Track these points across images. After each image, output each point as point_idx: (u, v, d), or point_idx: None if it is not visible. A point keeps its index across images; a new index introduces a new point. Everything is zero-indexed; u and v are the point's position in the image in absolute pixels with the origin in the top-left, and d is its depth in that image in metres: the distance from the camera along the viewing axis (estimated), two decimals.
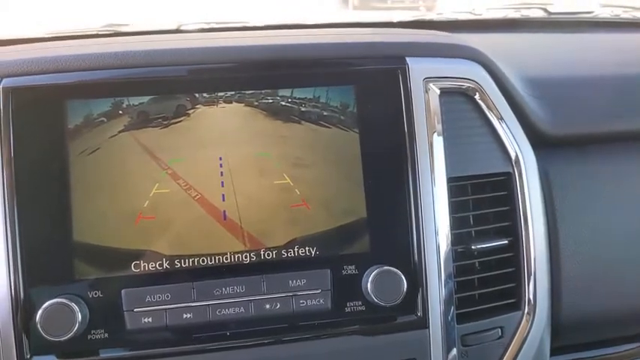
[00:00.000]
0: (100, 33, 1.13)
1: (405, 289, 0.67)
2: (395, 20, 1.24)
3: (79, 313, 0.62)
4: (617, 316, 0.83)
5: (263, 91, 0.69)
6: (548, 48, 1.15)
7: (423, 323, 0.70)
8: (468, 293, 0.74)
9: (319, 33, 0.85)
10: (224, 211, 0.68)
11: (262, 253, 0.68)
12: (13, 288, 0.63)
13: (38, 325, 0.62)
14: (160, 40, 0.78)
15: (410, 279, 0.68)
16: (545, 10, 1.33)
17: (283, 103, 0.70)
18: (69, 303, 0.62)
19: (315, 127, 0.70)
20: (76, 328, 0.62)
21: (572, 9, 1.39)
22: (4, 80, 0.66)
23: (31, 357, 0.64)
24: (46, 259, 0.64)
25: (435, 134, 0.72)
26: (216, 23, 1.21)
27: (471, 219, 0.76)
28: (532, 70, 0.89)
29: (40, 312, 0.62)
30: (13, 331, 0.63)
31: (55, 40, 0.99)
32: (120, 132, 0.67)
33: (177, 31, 1.16)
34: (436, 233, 0.70)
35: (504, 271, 0.75)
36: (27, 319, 0.63)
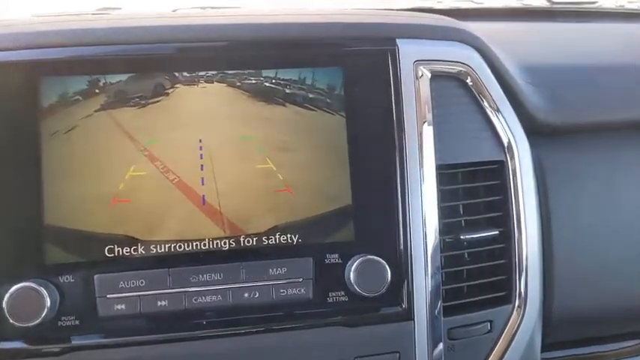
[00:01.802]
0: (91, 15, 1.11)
1: (389, 280, 0.65)
2: (395, 8, 1.21)
3: (48, 299, 0.60)
4: (611, 313, 0.81)
5: (246, 72, 0.67)
6: (549, 37, 1.12)
7: (408, 315, 0.67)
8: (456, 285, 0.71)
9: (308, 13, 0.82)
10: (203, 196, 0.65)
11: (242, 239, 0.65)
12: None
13: (5, 310, 0.60)
14: (142, 18, 0.76)
15: (394, 269, 0.66)
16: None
17: (267, 84, 0.68)
18: (37, 287, 0.60)
19: (301, 110, 0.67)
20: (44, 314, 0.60)
21: None
22: None
23: None
24: (15, 242, 0.62)
25: (425, 119, 0.69)
26: (212, 8, 1.19)
27: (461, 208, 0.73)
28: (531, 57, 0.87)
29: (7, 296, 0.60)
30: None
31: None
32: (95, 111, 0.64)
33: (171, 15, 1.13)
34: (423, 222, 0.68)
35: (495, 262, 0.73)
36: None
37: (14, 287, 0.60)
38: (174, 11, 1.16)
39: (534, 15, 1.33)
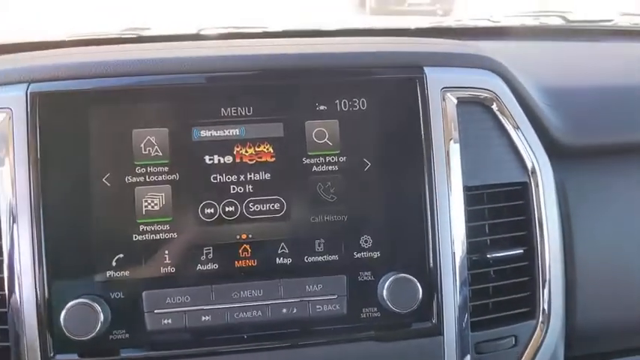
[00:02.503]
0: (122, 37, 1.16)
1: (420, 297, 0.68)
2: (412, 27, 1.25)
3: (102, 314, 0.64)
4: (633, 326, 0.83)
5: (280, 98, 0.70)
6: (566, 56, 1.15)
7: (438, 330, 0.71)
8: (482, 301, 0.74)
9: (336, 42, 0.86)
10: (242, 215, 0.69)
11: (280, 257, 0.69)
12: (38, 288, 0.65)
13: (62, 325, 0.64)
14: (180, 48, 0.80)
15: (425, 286, 0.69)
16: (564, 18, 1.33)
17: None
18: (92, 303, 0.64)
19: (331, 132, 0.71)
20: (98, 328, 0.64)
21: (592, 17, 1.38)
22: (32, 85, 0.68)
23: (54, 355, 0.65)
24: (70, 261, 0.66)
25: (452, 143, 0.73)
26: (235, 28, 1.23)
27: (487, 228, 0.76)
28: (550, 79, 0.89)
29: (64, 312, 0.64)
30: (37, 330, 0.65)
31: (78, 44, 1.01)
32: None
33: (197, 36, 1.18)
34: (452, 241, 0.71)
35: (519, 279, 0.76)
36: (51, 318, 0.65)
37: (70, 303, 0.64)
38: (199, 31, 1.21)
39: (551, 33, 1.35)
